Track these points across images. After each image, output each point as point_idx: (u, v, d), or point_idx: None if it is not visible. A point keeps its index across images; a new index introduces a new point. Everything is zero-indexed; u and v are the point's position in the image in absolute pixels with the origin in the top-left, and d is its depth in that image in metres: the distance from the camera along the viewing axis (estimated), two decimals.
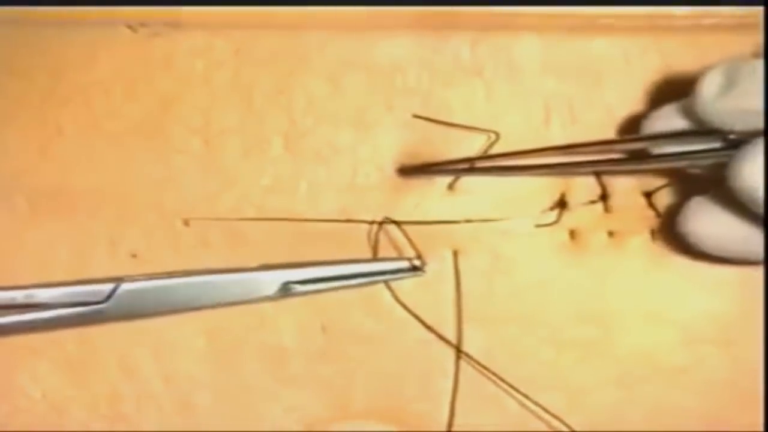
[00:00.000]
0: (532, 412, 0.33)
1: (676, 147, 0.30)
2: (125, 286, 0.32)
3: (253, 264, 0.33)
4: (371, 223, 0.34)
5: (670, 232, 0.31)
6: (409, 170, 0.34)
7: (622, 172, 0.34)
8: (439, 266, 0.34)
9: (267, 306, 0.34)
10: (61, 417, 0.34)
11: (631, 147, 0.32)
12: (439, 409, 0.34)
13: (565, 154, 0.32)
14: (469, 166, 0.33)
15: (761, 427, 0.32)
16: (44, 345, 0.34)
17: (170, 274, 0.33)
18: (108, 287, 0.32)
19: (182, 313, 0.33)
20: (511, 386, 0.33)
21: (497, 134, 0.34)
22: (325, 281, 0.33)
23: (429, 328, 0.34)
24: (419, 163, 0.34)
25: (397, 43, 0.34)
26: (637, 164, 0.32)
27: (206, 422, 0.34)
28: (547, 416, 0.33)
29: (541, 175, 0.34)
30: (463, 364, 0.34)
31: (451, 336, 0.34)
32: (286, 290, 0.32)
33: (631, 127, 0.33)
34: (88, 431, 0.34)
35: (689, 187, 0.32)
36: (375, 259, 0.34)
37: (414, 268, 0.33)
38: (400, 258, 0.34)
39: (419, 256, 0.33)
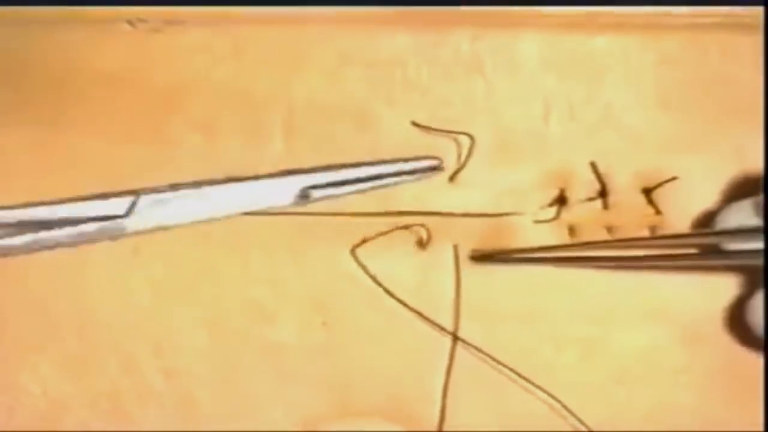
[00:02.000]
0: (531, 411, 0.33)
1: (749, 243, 0.30)
2: (144, 198, 0.33)
3: (254, 259, 0.34)
4: (371, 215, 0.34)
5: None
6: (480, 257, 0.34)
7: (696, 267, 0.34)
8: (438, 259, 0.34)
9: (268, 302, 0.34)
10: (62, 413, 0.34)
11: (704, 241, 0.33)
12: (438, 407, 0.34)
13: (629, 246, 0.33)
14: (540, 256, 0.33)
15: (761, 427, 0.32)
16: (45, 341, 0.34)
17: (186, 185, 0.33)
18: (128, 200, 0.33)
19: (202, 221, 0.33)
20: (519, 375, 0.33)
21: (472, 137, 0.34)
22: (343, 185, 0.33)
23: (424, 317, 0.34)
24: (489, 250, 0.34)
25: (397, 38, 0.34)
26: (710, 259, 0.33)
27: (207, 419, 0.34)
28: (546, 416, 0.33)
29: (609, 268, 0.34)
30: (461, 362, 0.34)
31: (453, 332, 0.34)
32: (304, 196, 0.33)
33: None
34: (89, 429, 0.34)
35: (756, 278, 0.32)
36: (393, 160, 0.34)
37: (433, 169, 0.33)
38: (417, 158, 0.34)
39: (436, 157, 0.34)
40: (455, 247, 0.34)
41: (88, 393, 0.34)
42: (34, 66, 0.35)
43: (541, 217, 0.34)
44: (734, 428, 0.33)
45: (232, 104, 0.34)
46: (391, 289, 0.34)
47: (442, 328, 0.34)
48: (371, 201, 0.34)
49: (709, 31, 0.34)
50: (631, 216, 0.34)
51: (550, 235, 0.34)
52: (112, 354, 0.34)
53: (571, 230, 0.34)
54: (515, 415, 0.33)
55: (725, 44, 0.34)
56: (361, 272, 0.34)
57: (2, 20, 0.34)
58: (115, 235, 0.33)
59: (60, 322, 0.34)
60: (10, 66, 0.35)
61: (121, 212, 0.33)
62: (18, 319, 0.34)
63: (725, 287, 0.33)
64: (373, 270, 0.34)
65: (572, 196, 0.34)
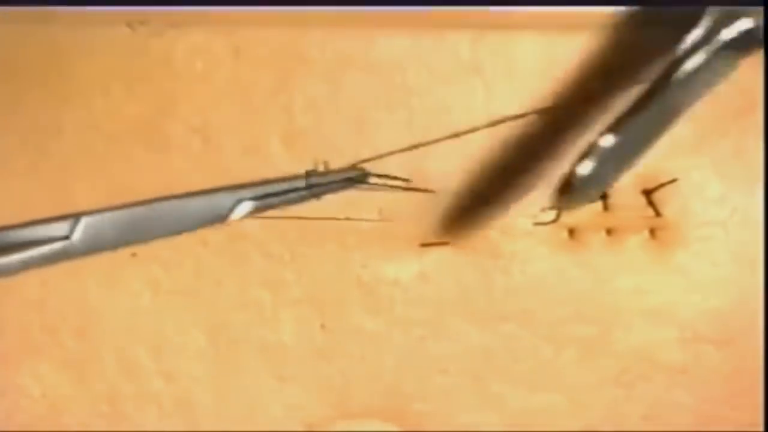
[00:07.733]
0: (531, 410, 0.33)
1: None
2: (86, 220, 0.32)
3: (253, 261, 0.34)
4: (370, 220, 0.34)
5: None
6: None
7: None
8: (438, 263, 0.34)
9: (267, 304, 0.34)
10: (61, 416, 0.34)
11: None
12: (438, 407, 0.34)
13: None
14: None
15: (760, 426, 0.32)
16: (44, 343, 0.34)
17: (128, 204, 0.33)
18: (68, 222, 0.32)
19: (144, 242, 0.33)
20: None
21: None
22: (277, 195, 0.33)
23: None
24: None
25: (396, 41, 0.34)
26: None
27: (206, 421, 0.34)
28: (547, 415, 0.33)
29: None
30: (462, 361, 0.34)
31: (452, 335, 0.34)
32: (239, 208, 0.33)
33: None
34: (88, 430, 0.34)
35: None
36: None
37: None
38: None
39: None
40: (455, 250, 0.34)
41: (88, 395, 0.34)
42: (32, 68, 0.34)
43: (542, 220, 0.34)
44: (734, 428, 0.33)
45: (231, 108, 0.34)
46: (391, 291, 0.34)
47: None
48: (370, 204, 0.34)
49: None
50: (631, 218, 0.34)
51: (551, 237, 0.34)
52: (111, 356, 0.34)
53: (571, 232, 0.34)
54: (515, 414, 0.34)
55: None
56: (359, 274, 0.34)
57: (1, 20, 0.34)
58: (60, 258, 0.32)
59: (59, 324, 0.34)
60: (8, 67, 0.34)
61: (65, 234, 0.32)
62: (17, 321, 0.34)
63: (725, 286, 0.34)
64: (373, 271, 0.34)
65: None
